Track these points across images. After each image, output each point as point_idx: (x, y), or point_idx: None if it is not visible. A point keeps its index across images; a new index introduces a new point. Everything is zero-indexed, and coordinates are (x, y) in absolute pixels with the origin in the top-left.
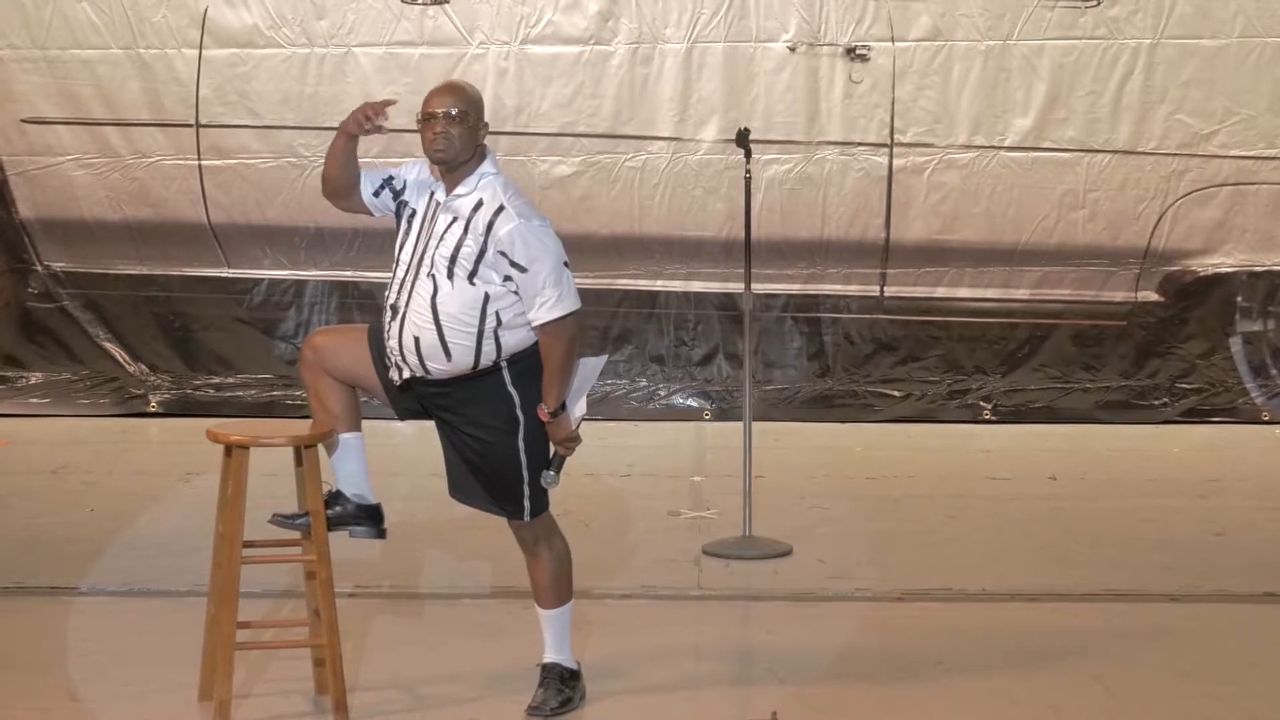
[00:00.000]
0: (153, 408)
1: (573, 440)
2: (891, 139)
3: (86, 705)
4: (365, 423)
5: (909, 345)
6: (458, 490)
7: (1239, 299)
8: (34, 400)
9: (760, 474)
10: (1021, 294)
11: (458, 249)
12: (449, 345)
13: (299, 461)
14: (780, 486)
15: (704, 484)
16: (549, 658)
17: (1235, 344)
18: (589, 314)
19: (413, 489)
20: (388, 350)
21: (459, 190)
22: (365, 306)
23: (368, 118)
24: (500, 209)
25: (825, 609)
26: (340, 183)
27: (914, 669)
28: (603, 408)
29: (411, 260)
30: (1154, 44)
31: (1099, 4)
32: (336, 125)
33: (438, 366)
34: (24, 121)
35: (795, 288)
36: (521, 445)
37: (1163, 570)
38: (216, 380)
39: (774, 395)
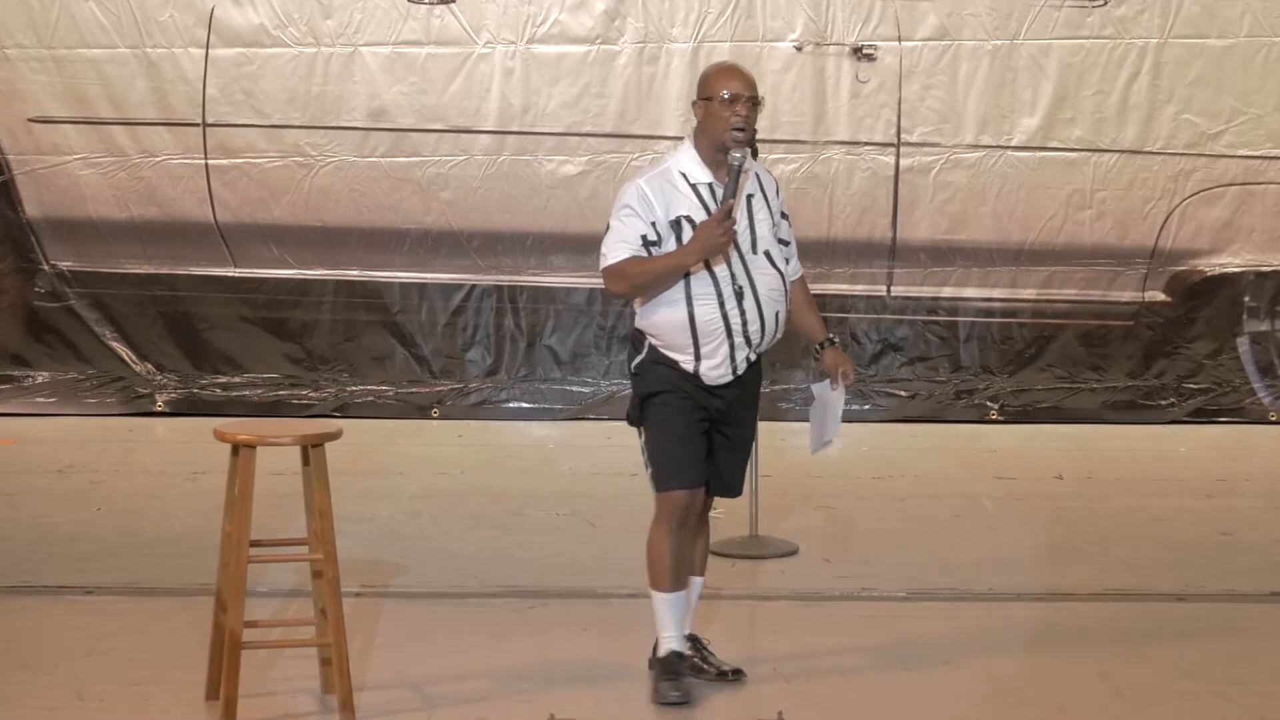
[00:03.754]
0: (159, 407)
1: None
2: (898, 139)
3: (93, 704)
4: (359, 422)
5: (916, 345)
6: (731, 484)
7: (1246, 299)
8: (41, 399)
9: (766, 474)
10: (1028, 294)
11: (774, 223)
12: (786, 314)
13: (306, 461)
14: (786, 486)
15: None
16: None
17: (1242, 344)
18: (596, 314)
19: (419, 488)
20: (741, 335)
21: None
22: (371, 306)
23: (725, 231)
24: (774, 178)
25: (831, 608)
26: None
27: (921, 668)
28: (609, 407)
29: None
30: (1161, 43)
31: (1106, 4)
32: (343, 124)
33: (779, 336)
34: (31, 121)
35: None
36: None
37: (1170, 570)
38: (223, 379)
39: (781, 395)
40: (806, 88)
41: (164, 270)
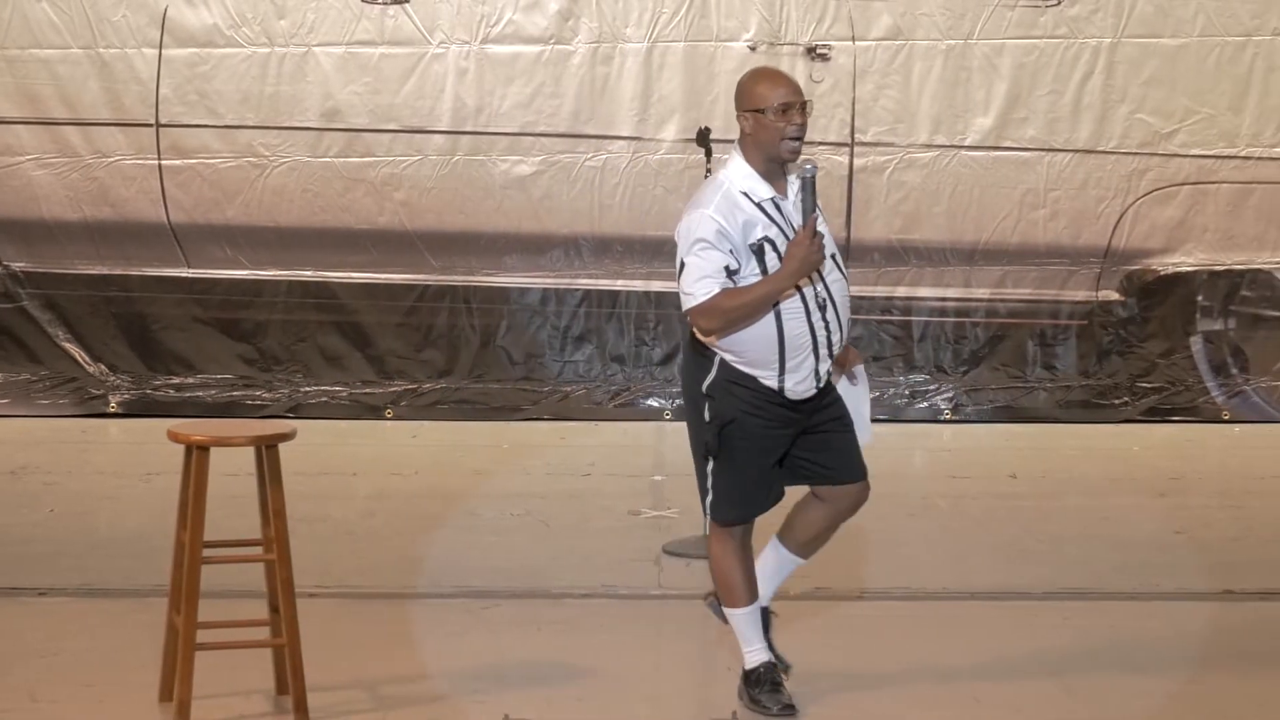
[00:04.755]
0: (112, 408)
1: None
2: (852, 138)
3: (46, 706)
4: (313, 423)
5: (870, 344)
6: (855, 467)
7: (1199, 298)
8: None
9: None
10: (982, 293)
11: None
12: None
13: (260, 461)
14: None
15: (664, 483)
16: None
17: (1196, 343)
18: (550, 314)
19: (373, 489)
20: (826, 347)
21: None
22: (325, 306)
23: (819, 249)
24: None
25: (786, 608)
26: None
27: (875, 668)
28: (562, 407)
29: None
30: (1114, 43)
31: (1059, 3)
32: (296, 124)
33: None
34: None
35: None
36: None
37: (1123, 568)
38: (176, 380)
39: None
40: None
41: (117, 271)
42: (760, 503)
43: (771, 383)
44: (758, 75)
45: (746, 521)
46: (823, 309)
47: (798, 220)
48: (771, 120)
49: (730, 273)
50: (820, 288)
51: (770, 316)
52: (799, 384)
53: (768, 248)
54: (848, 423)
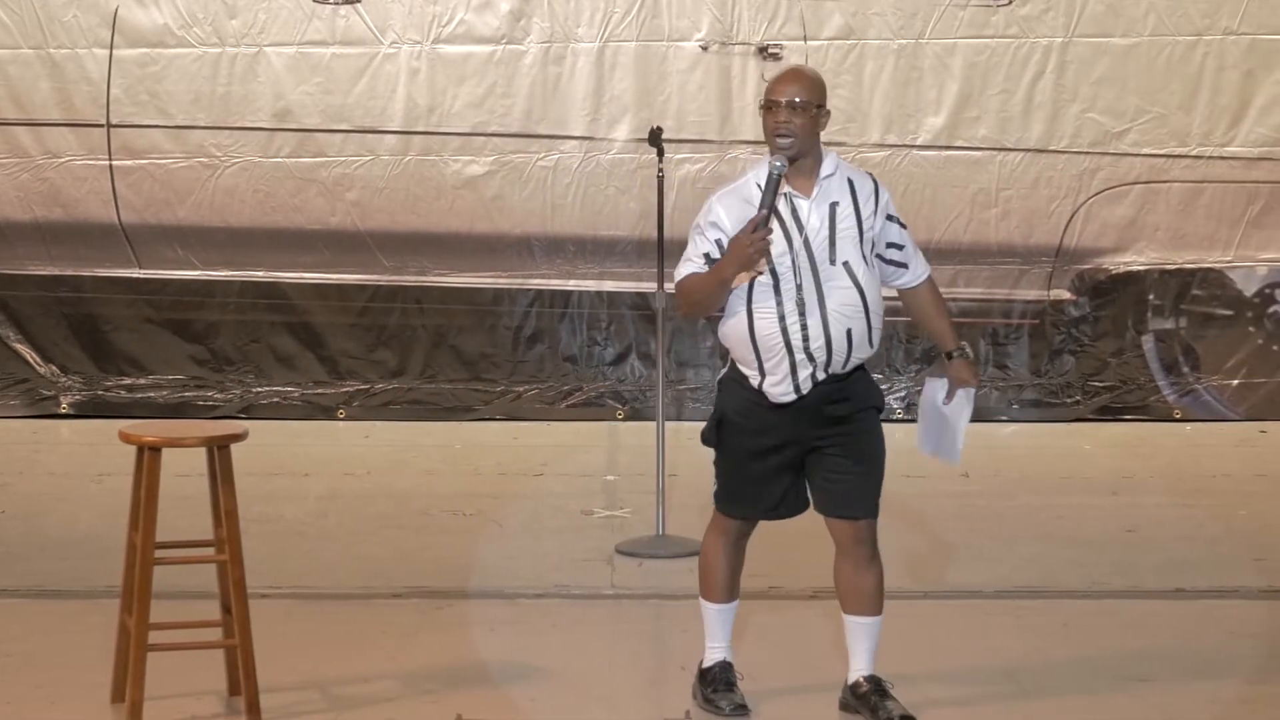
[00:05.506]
0: (64, 409)
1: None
2: None
3: None
4: (265, 423)
5: None
6: (844, 504)
7: (1151, 297)
8: None
9: (673, 473)
10: None
11: (860, 233)
12: (873, 331)
13: (212, 462)
14: (693, 485)
15: (617, 483)
16: (868, 671)
17: (1147, 342)
18: (503, 314)
19: (325, 489)
20: (803, 351)
21: (826, 171)
22: (277, 307)
23: (753, 243)
24: (874, 180)
25: (738, 607)
26: (716, 308)
27: (826, 667)
28: (514, 407)
29: (792, 255)
30: (1066, 43)
31: (1011, 3)
32: (248, 125)
33: (860, 356)
34: None
35: None
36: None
37: (1075, 566)
38: (128, 381)
39: (687, 394)
40: (712, 87)
41: (68, 272)
42: (752, 505)
43: (755, 382)
44: (777, 72)
45: (742, 519)
46: (803, 312)
47: (812, 219)
48: (766, 116)
49: (711, 260)
50: (805, 288)
51: (743, 314)
52: (776, 386)
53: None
54: (858, 456)
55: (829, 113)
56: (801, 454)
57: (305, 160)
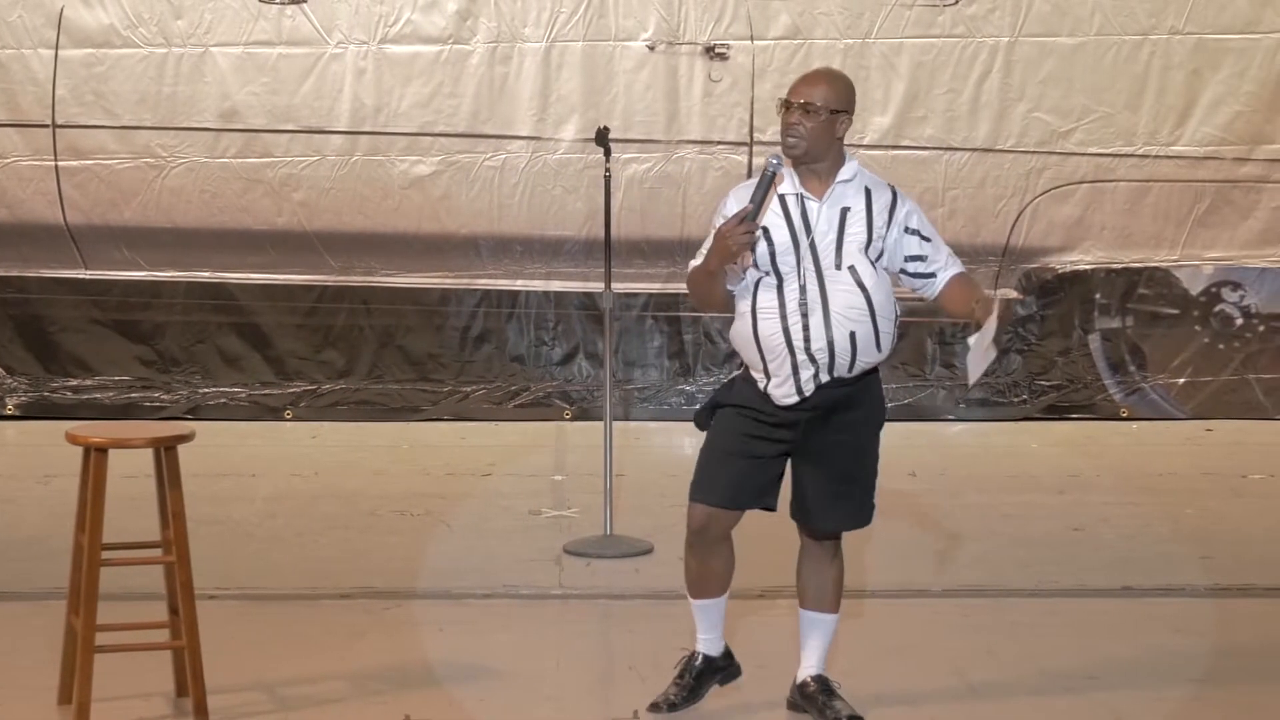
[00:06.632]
0: (10, 410)
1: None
2: (751, 138)
3: None
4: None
5: None
6: (821, 515)
7: (1097, 296)
8: None
9: (621, 473)
10: None
11: (869, 240)
12: (880, 336)
13: (159, 463)
14: (641, 485)
15: (565, 483)
16: (817, 670)
17: (1094, 340)
18: (450, 314)
19: (273, 490)
20: (805, 353)
21: (843, 176)
22: (223, 307)
23: (735, 236)
24: (894, 192)
25: (687, 607)
26: (725, 302)
27: (775, 666)
28: (462, 408)
29: (797, 256)
30: (1012, 42)
31: (957, 3)
32: (194, 125)
33: (867, 360)
34: None
35: (655, 287)
36: (878, 440)
37: (1022, 565)
38: (74, 382)
39: (635, 394)
40: (659, 87)
41: (13, 273)
42: (723, 492)
43: (762, 384)
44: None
45: (708, 505)
46: (805, 313)
47: (820, 222)
48: (782, 114)
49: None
50: (809, 290)
51: (748, 315)
52: (779, 387)
53: (762, 237)
54: (842, 474)
55: (849, 118)
56: (791, 452)
57: (252, 160)
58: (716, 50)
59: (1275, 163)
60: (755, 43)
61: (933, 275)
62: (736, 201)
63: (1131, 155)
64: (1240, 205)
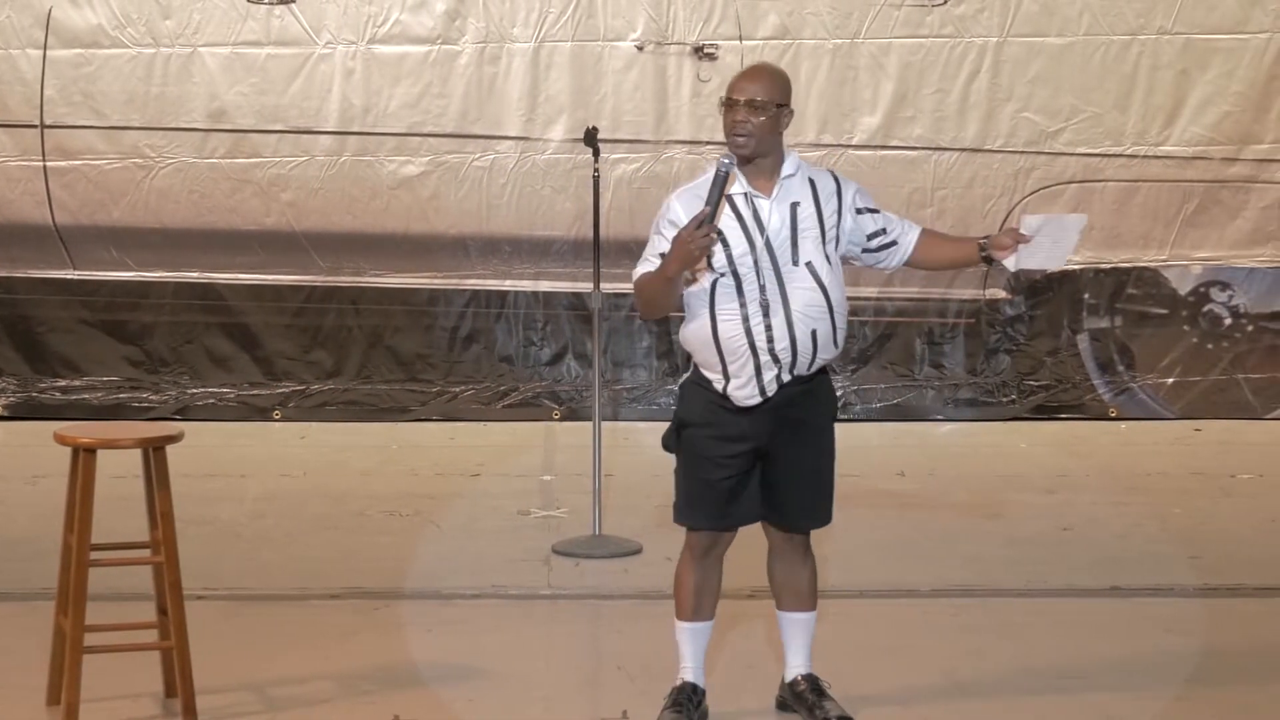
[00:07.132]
0: None
1: None
2: None
3: None
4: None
5: None
6: (796, 514)
7: (1086, 296)
8: None
9: (610, 473)
10: (870, 292)
11: (822, 232)
12: (838, 332)
13: (147, 463)
14: (630, 485)
15: (553, 483)
16: (806, 669)
17: (1082, 340)
18: (439, 314)
19: (262, 490)
20: (768, 353)
21: (787, 171)
22: (212, 308)
23: (695, 240)
24: (835, 177)
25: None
26: (676, 306)
27: (762, 666)
28: (451, 408)
29: (754, 256)
30: (1000, 42)
31: (945, 3)
32: (182, 125)
33: (826, 357)
34: None
35: None
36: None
37: (1011, 565)
38: (63, 383)
39: (623, 394)
40: (648, 87)
41: (2, 273)
42: (713, 514)
43: (719, 386)
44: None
45: (701, 528)
46: (766, 312)
47: (773, 220)
48: (725, 113)
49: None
50: (769, 289)
51: (706, 316)
52: (741, 389)
53: (717, 239)
54: (805, 468)
55: (792, 112)
56: (758, 457)
57: (240, 161)
58: (705, 50)
59: (1263, 163)
60: (744, 43)
61: (895, 242)
62: (682, 205)
63: (1120, 155)
64: (1229, 205)
